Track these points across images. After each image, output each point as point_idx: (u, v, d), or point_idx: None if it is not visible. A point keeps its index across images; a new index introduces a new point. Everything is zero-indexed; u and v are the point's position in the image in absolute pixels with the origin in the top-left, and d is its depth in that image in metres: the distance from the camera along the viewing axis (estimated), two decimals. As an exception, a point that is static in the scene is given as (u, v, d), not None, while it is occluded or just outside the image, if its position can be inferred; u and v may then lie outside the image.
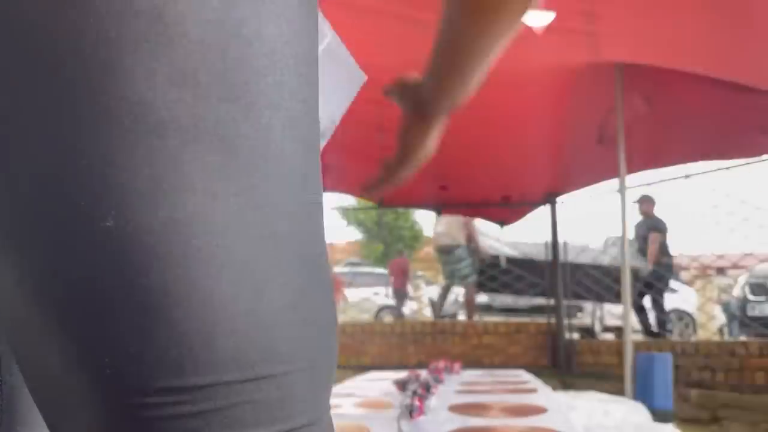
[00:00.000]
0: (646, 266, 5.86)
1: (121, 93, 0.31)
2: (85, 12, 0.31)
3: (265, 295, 0.34)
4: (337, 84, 0.65)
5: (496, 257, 6.24)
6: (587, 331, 6.30)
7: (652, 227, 5.96)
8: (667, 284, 6.09)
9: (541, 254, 5.83)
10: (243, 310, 0.33)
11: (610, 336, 6.47)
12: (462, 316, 7.27)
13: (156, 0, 0.31)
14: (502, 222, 5.80)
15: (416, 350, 5.51)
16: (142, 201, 0.31)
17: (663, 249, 5.92)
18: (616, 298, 5.88)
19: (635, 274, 5.80)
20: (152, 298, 0.32)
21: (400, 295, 8.74)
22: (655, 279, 5.78)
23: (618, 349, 4.65)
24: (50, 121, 0.31)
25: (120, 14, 0.31)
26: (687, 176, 4.42)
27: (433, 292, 8.95)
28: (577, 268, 5.83)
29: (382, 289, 9.93)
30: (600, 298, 6.24)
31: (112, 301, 0.32)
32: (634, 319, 4.98)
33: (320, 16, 0.47)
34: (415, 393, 2.05)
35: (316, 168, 0.39)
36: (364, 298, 9.29)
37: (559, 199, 5.35)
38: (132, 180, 0.31)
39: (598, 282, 5.79)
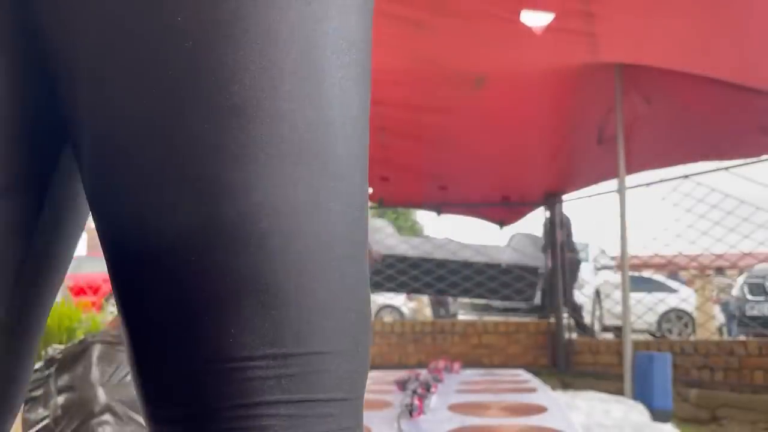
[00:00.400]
0: (545, 263, 5.88)
1: (234, 104, 0.38)
2: (234, 48, 0.38)
3: (346, 288, 0.42)
4: None
5: (391, 256, 6.19)
6: (586, 331, 6.30)
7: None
8: (574, 278, 6.08)
9: (443, 253, 5.93)
10: (335, 299, 0.41)
11: (609, 335, 6.48)
12: (462, 316, 7.27)
13: (293, 24, 0.39)
14: (502, 222, 5.81)
15: (416, 350, 5.52)
16: (276, 212, 0.39)
17: (567, 244, 5.91)
18: (517, 294, 6.02)
19: (534, 271, 5.90)
20: (275, 288, 0.39)
21: (441, 303, 8.56)
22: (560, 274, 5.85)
23: (617, 349, 4.66)
24: (178, 135, 0.39)
25: (265, 46, 0.39)
26: (686, 176, 4.42)
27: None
28: (468, 265, 5.92)
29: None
30: (493, 296, 6.36)
31: (243, 287, 0.39)
32: (633, 319, 4.99)
33: None
34: (415, 392, 2.06)
35: (366, 171, 0.45)
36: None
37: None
38: (237, 171, 0.38)
39: (494, 279, 5.88)
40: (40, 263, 0.47)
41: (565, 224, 5.91)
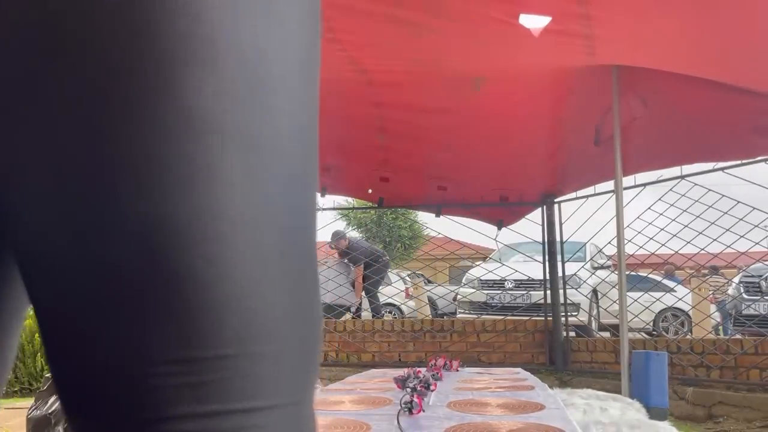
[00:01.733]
0: (354, 301, 6.88)
1: (174, 101, 0.35)
2: (152, 36, 0.35)
3: (268, 280, 0.38)
4: None
5: None
6: (584, 329, 6.34)
7: (351, 261, 6.94)
8: (377, 287, 7.29)
9: None
10: (249, 292, 0.37)
11: (606, 334, 6.51)
12: (462, 314, 7.31)
13: (213, 25, 0.36)
14: (500, 222, 5.84)
15: (415, 348, 5.56)
16: (177, 190, 0.35)
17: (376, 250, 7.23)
18: (341, 298, 6.74)
19: (348, 308, 6.77)
20: (174, 277, 0.35)
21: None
22: (369, 284, 7.02)
23: (614, 347, 4.69)
24: (110, 120, 0.35)
25: (183, 37, 0.35)
26: (682, 177, 4.46)
27: (432, 290, 8.96)
28: None
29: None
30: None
31: (138, 278, 0.35)
32: (630, 317, 5.03)
33: None
34: (414, 390, 2.08)
35: (315, 170, 0.43)
36: (364, 297, 9.32)
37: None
38: (172, 172, 0.35)
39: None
40: None
41: (360, 260, 6.89)
